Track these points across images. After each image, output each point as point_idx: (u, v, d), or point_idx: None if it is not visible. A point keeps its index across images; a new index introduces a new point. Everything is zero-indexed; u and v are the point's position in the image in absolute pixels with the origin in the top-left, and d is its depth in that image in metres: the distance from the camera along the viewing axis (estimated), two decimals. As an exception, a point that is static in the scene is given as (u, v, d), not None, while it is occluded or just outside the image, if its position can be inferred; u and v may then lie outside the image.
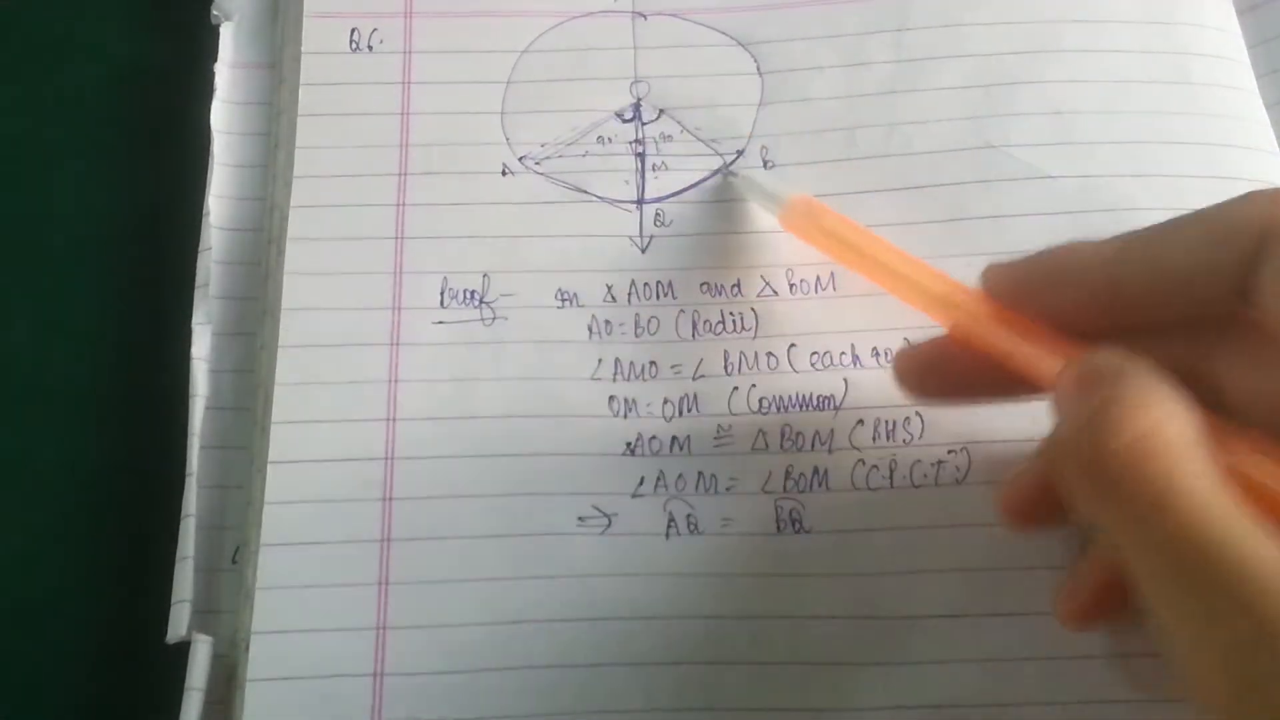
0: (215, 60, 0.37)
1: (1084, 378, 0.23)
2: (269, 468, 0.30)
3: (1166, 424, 0.21)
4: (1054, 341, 0.26)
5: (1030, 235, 0.32)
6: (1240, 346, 0.25)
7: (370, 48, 0.36)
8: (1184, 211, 0.30)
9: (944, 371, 0.29)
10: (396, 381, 0.31)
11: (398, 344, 0.32)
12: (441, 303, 0.32)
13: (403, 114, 0.35)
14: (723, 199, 0.34)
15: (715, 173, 0.34)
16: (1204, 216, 0.25)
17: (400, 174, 0.34)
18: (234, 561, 0.31)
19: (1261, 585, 0.19)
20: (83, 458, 0.33)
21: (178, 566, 0.30)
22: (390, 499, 0.30)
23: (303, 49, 0.36)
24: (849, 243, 0.31)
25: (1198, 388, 0.23)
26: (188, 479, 0.31)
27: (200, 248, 0.34)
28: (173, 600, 0.30)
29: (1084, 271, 0.26)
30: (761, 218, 0.34)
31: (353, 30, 0.36)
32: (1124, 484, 0.21)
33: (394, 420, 0.31)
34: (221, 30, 0.37)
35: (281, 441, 0.31)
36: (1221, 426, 0.22)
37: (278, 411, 0.31)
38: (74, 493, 0.33)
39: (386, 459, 0.31)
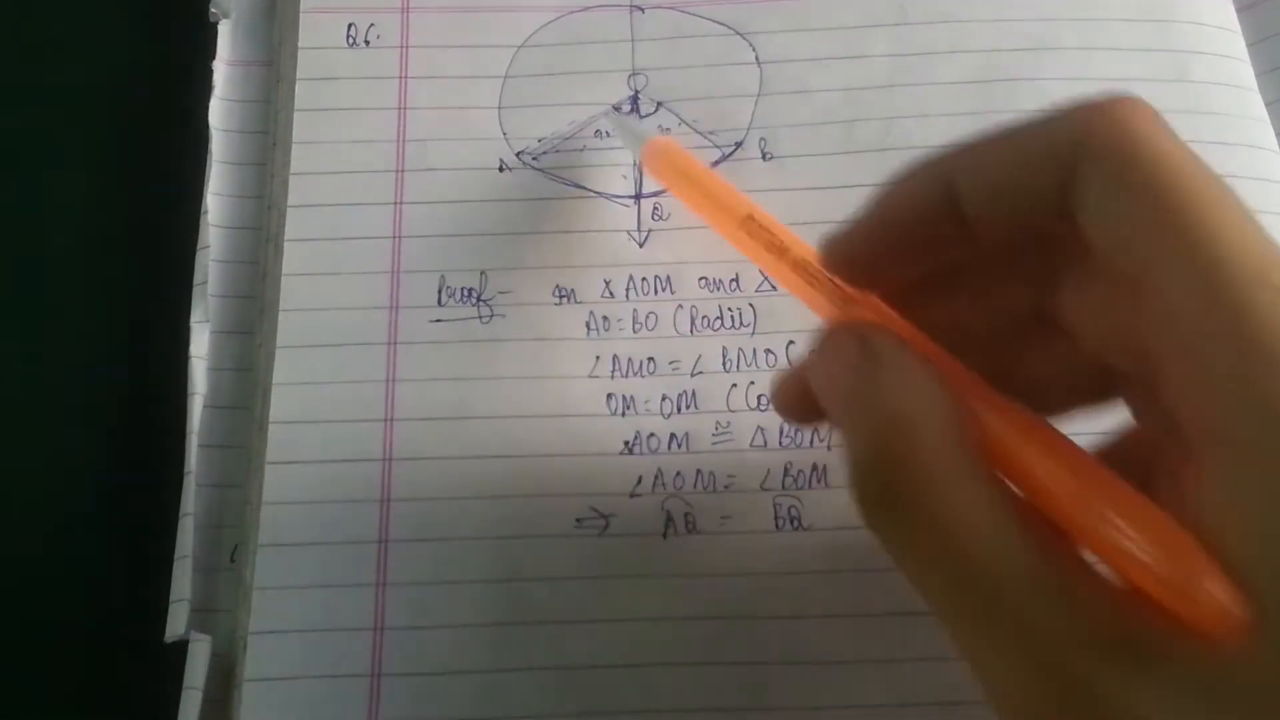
0: (213, 58, 0.36)
1: (837, 365, 0.23)
2: (267, 468, 0.30)
3: (919, 429, 0.21)
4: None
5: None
6: (1079, 277, 0.23)
7: (367, 43, 0.36)
8: None
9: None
10: (394, 381, 0.31)
11: (395, 343, 0.32)
12: (439, 301, 0.32)
13: (399, 109, 0.35)
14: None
15: (712, 165, 0.34)
16: (1022, 133, 0.22)
17: (397, 170, 0.34)
18: (232, 561, 0.31)
19: (1020, 607, 0.20)
20: (80, 456, 0.33)
21: (176, 565, 0.30)
22: (388, 499, 0.30)
23: (299, 44, 0.36)
24: (699, 183, 0.31)
25: (1048, 328, 0.24)
26: (186, 478, 0.31)
27: (199, 246, 0.34)
28: (171, 599, 0.30)
29: (918, 202, 0.24)
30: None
31: (349, 25, 0.36)
32: (880, 514, 0.21)
33: (391, 420, 0.31)
34: (219, 28, 0.37)
35: (279, 442, 0.31)
36: (976, 391, 0.22)
37: (275, 412, 0.31)
38: (72, 491, 0.33)
39: (384, 459, 0.31)
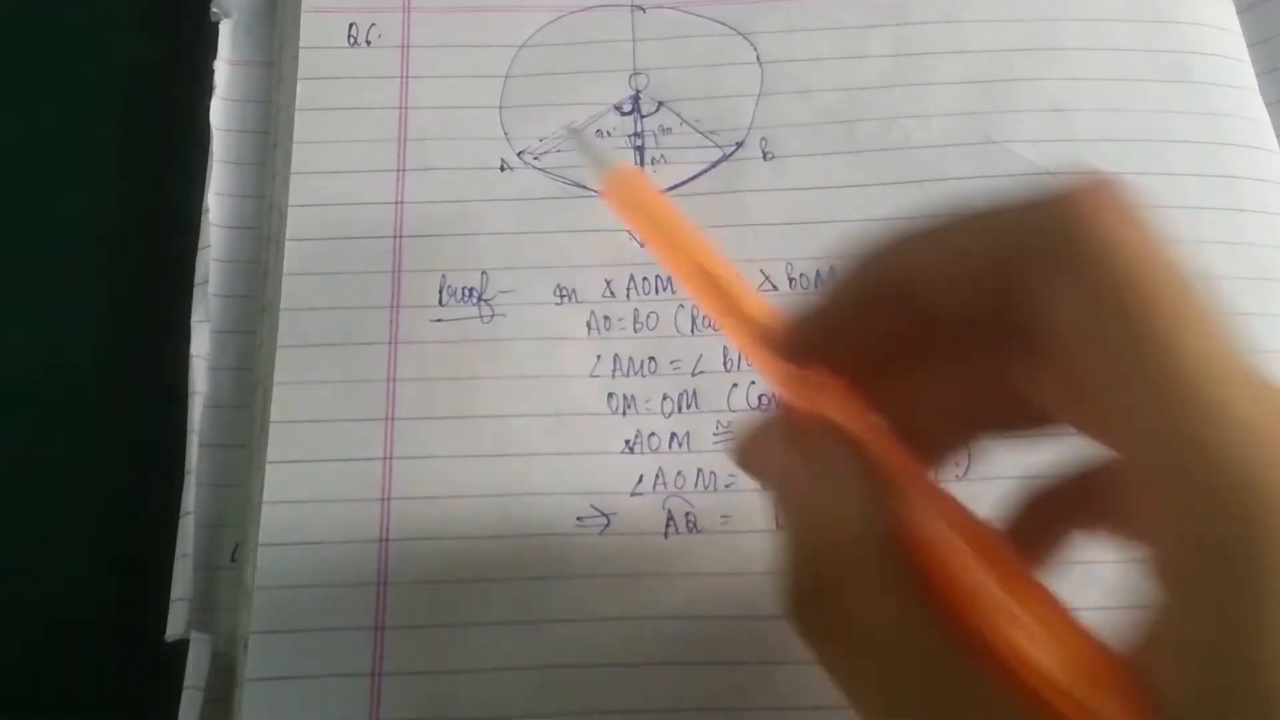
0: (214, 57, 0.36)
1: (781, 460, 0.23)
2: (267, 467, 0.30)
3: (847, 544, 0.21)
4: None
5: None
6: (1032, 354, 0.22)
7: (368, 42, 0.36)
8: (1174, 209, 0.31)
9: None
10: (395, 380, 0.31)
11: (396, 342, 0.32)
12: (440, 300, 0.32)
13: (401, 109, 0.35)
14: (720, 190, 0.34)
15: (712, 164, 0.34)
16: (971, 223, 0.21)
17: (398, 170, 0.34)
18: (233, 560, 0.31)
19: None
20: (81, 455, 0.33)
21: (176, 564, 0.30)
22: (388, 498, 0.30)
23: (300, 44, 0.36)
24: (663, 227, 0.28)
25: (1007, 398, 0.23)
26: (186, 477, 0.31)
27: (200, 245, 0.34)
28: (171, 598, 0.30)
29: (867, 286, 0.23)
30: (759, 211, 0.33)
31: (350, 25, 0.36)
32: (803, 616, 0.21)
33: (392, 419, 0.31)
34: (220, 27, 0.37)
35: (280, 441, 0.31)
36: (913, 483, 0.22)
37: (276, 411, 0.31)
38: (73, 491, 0.33)
39: (385, 459, 0.31)
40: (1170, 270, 0.19)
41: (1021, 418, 0.24)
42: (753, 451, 0.25)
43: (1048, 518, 0.25)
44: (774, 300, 0.32)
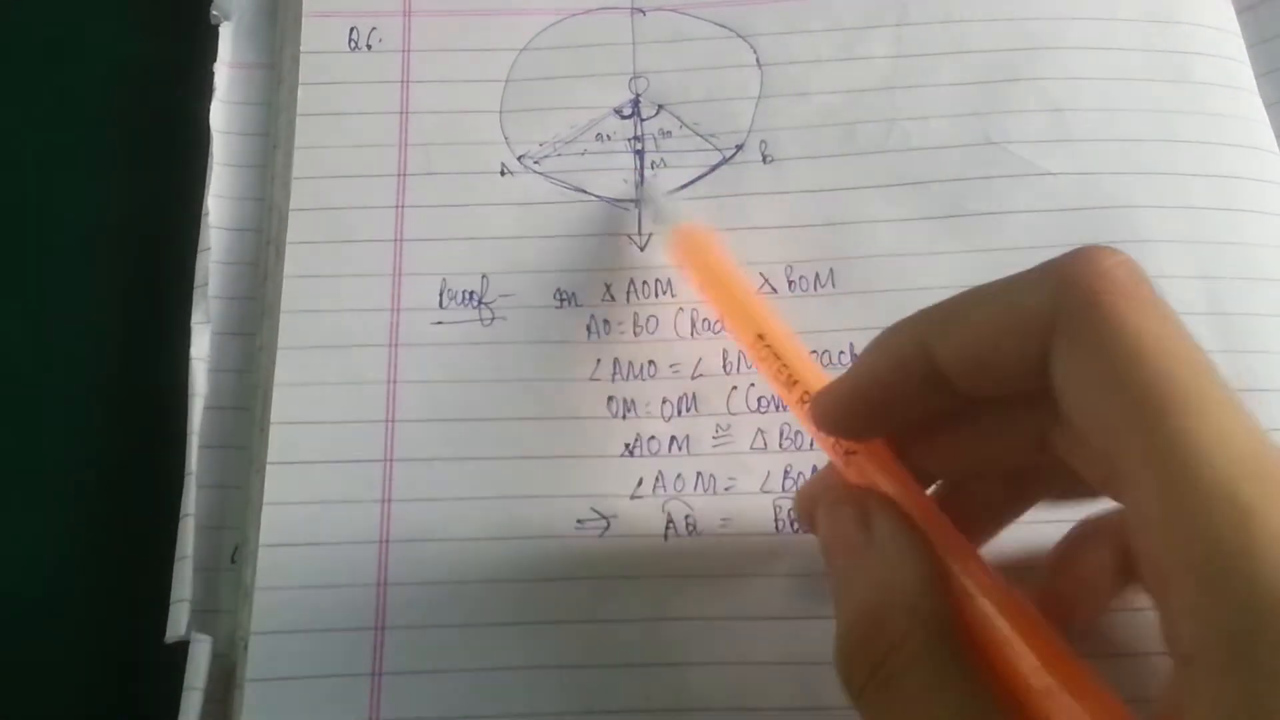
0: (214, 60, 0.36)
1: (833, 540, 0.24)
2: (268, 468, 0.30)
3: (903, 620, 0.21)
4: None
5: (1028, 232, 0.33)
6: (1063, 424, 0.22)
7: (369, 46, 0.36)
8: (1174, 209, 0.31)
9: None
10: (395, 383, 0.31)
11: (396, 345, 0.32)
12: (440, 303, 0.32)
13: (402, 113, 0.35)
14: (720, 194, 0.34)
15: (712, 168, 0.34)
16: (997, 299, 0.22)
17: (399, 174, 0.34)
18: (233, 561, 0.31)
19: None
20: (82, 457, 0.33)
21: (177, 566, 0.30)
22: (388, 500, 0.30)
23: (301, 48, 0.36)
24: (726, 289, 0.30)
25: (1042, 460, 0.23)
26: (187, 478, 0.31)
27: (200, 248, 0.34)
28: (172, 600, 0.30)
29: (900, 368, 0.23)
30: (759, 214, 0.34)
31: (351, 29, 0.36)
32: (860, 690, 0.22)
33: (393, 421, 0.31)
34: (220, 30, 0.37)
35: (280, 442, 0.31)
36: (965, 562, 0.22)
37: (277, 412, 0.31)
38: (73, 492, 0.33)
39: (385, 460, 0.31)
40: (1188, 350, 0.19)
41: (1066, 482, 0.24)
42: (810, 510, 0.26)
43: (1089, 581, 0.25)
44: (774, 300, 0.32)
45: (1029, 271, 0.22)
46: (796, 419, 0.28)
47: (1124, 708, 0.20)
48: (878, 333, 0.24)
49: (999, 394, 0.22)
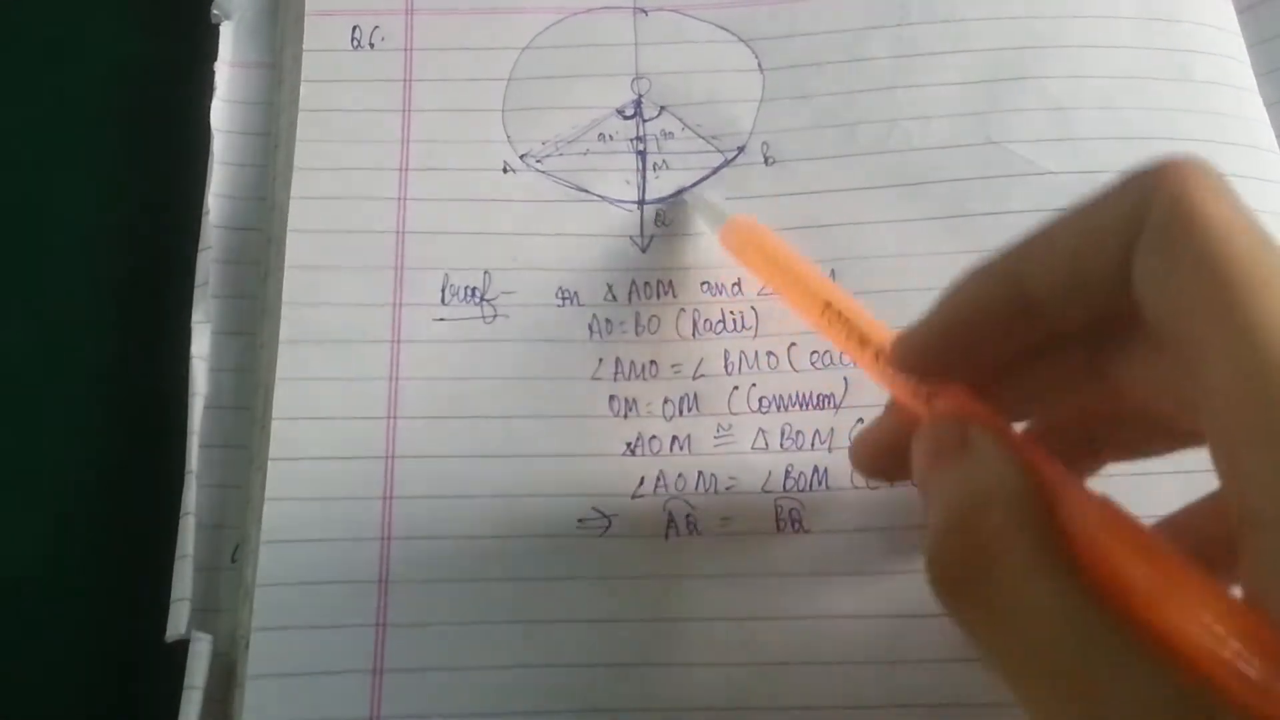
0: (215, 59, 0.36)
1: (929, 455, 0.24)
2: (269, 464, 0.30)
3: (1000, 515, 0.21)
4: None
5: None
6: (1133, 341, 0.23)
7: (372, 45, 0.36)
8: None
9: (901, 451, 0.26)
10: (397, 379, 0.31)
11: (399, 341, 0.32)
12: (442, 299, 0.32)
13: (404, 111, 0.35)
14: (723, 196, 0.34)
15: (714, 170, 0.34)
16: (1082, 216, 0.22)
17: (401, 169, 0.34)
18: (233, 560, 0.31)
19: (1093, 696, 0.19)
20: (82, 457, 0.33)
21: (177, 565, 0.30)
22: (390, 497, 0.30)
23: (304, 46, 0.36)
24: (784, 269, 0.31)
25: (1101, 390, 0.24)
26: (187, 477, 0.31)
27: (200, 246, 0.34)
28: (172, 598, 0.30)
29: (987, 302, 0.24)
30: (762, 216, 0.33)
31: (354, 28, 0.36)
32: (953, 591, 0.22)
33: (394, 418, 0.31)
34: (221, 29, 0.37)
35: (281, 438, 0.31)
36: (1062, 481, 0.22)
37: (278, 407, 0.31)
38: (73, 492, 0.33)
39: (386, 457, 0.31)
40: (1269, 240, 0.20)
41: (1140, 435, 0.25)
42: (873, 453, 0.27)
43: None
44: (776, 301, 0.32)
45: (1110, 185, 0.22)
46: (871, 377, 0.28)
47: (1243, 606, 0.19)
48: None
49: (1087, 318, 0.23)
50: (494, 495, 0.30)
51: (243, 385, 0.33)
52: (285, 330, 0.32)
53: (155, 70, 0.38)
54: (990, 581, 0.21)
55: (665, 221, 0.34)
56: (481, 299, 0.32)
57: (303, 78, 0.35)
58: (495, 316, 0.32)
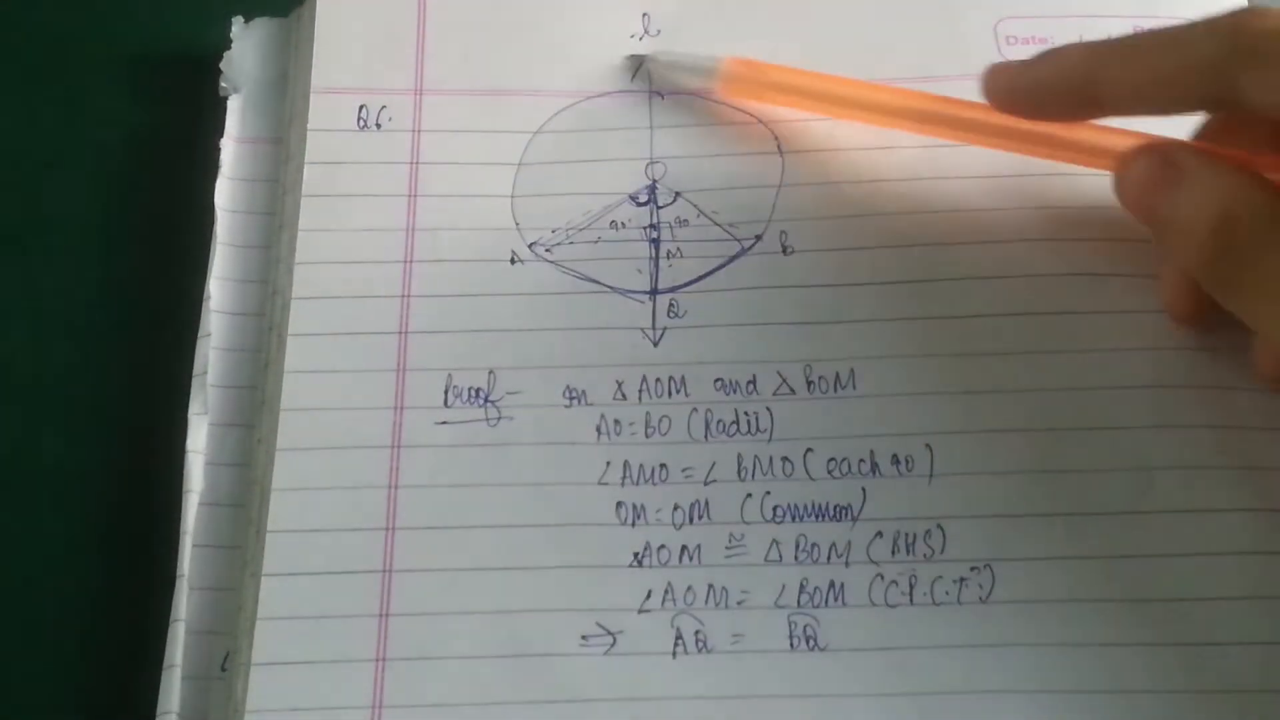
0: (220, 135, 0.36)
1: (1152, 183, 0.29)
2: (263, 580, 0.29)
3: (1247, 213, 0.27)
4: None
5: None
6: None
7: (378, 125, 0.35)
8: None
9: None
10: (396, 488, 0.30)
11: (399, 446, 0.31)
12: (445, 402, 0.31)
13: (410, 195, 0.34)
14: (737, 287, 0.33)
15: (730, 259, 0.33)
16: (1170, 46, 0.28)
17: (405, 261, 0.33)
18: (223, 669, 0.29)
19: None
20: (71, 551, 0.32)
21: (164, 675, 0.29)
22: (386, 614, 0.29)
23: (309, 125, 0.35)
24: (809, 90, 0.34)
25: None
26: (179, 581, 0.30)
27: (200, 334, 0.33)
28: (159, 712, 0.29)
29: (1067, 84, 0.30)
30: (778, 309, 0.32)
31: (360, 107, 0.35)
32: (1237, 292, 0.27)
33: (392, 529, 0.30)
34: (229, 103, 0.36)
35: (277, 552, 0.29)
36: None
37: (274, 519, 0.30)
38: (61, 592, 0.32)
39: (384, 570, 0.29)
40: None
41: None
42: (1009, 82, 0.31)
43: None
44: (792, 402, 0.31)
45: (1188, 27, 0.28)
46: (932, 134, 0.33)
47: None
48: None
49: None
50: (493, 612, 0.29)
51: (240, 481, 0.31)
52: (283, 437, 0.31)
53: (159, 146, 0.37)
54: (1258, 267, 0.26)
55: (679, 313, 0.33)
56: (486, 400, 0.31)
57: (306, 160, 0.34)
58: (500, 419, 0.31)
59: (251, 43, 0.37)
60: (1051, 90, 0.30)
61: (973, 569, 0.29)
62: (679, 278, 0.33)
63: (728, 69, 0.34)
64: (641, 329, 0.32)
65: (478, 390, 0.31)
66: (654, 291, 0.33)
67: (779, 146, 0.35)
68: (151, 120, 0.38)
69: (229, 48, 0.37)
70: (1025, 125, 0.31)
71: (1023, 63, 0.31)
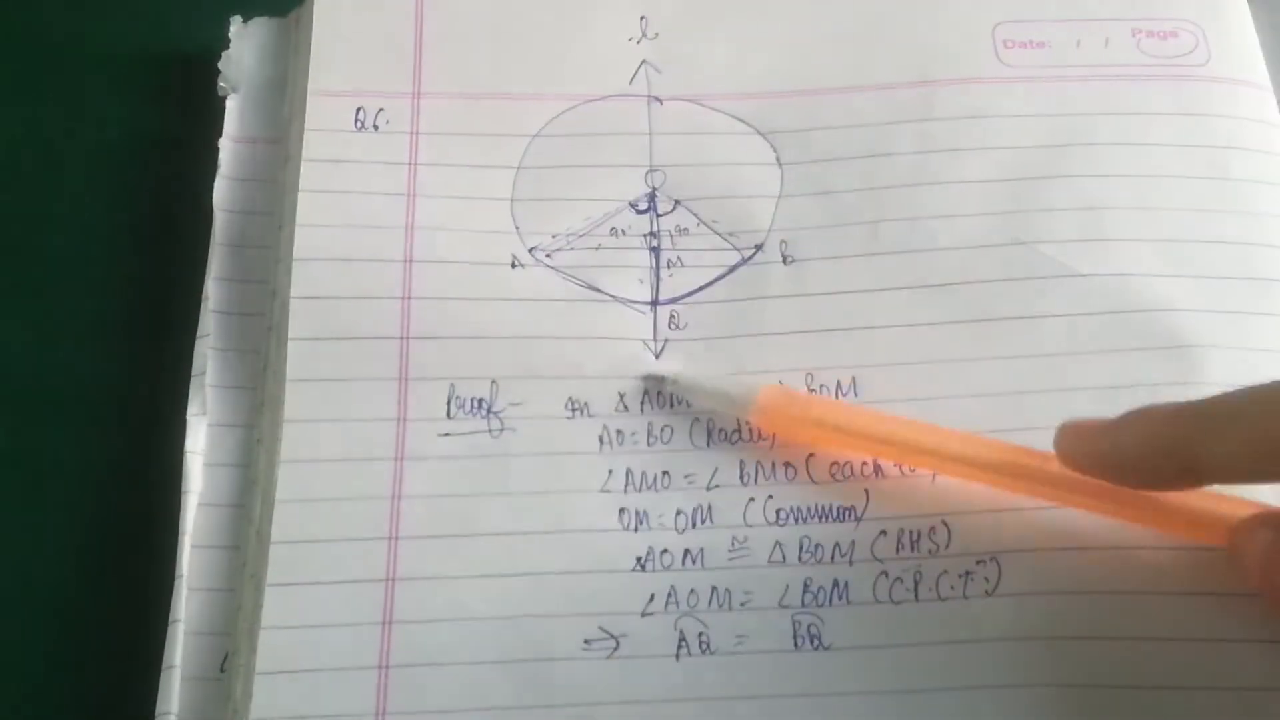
0: (219, 134, 0.36)
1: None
2: (267, 590, 0.29)
3: None
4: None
5: (1060, 338, 0.32)
6: None
7: (376, 127, 0.35)
8: (1212, 314, 0.32)
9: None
10: (400, 498, 0.30)
11: (402, 458, 0.31)
12: (448, 413, 0.31)
13: (408, 195, 0.34)
14: (738, 298, 0.33)
15: (730, 269, 0.33)
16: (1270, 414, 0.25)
17: (406, 260, 0.33)
18: (222, 670, 0.29)
19: None
20: (75, 549, 0.32)
21: (163, 676, 0.29)
22: (390, 622, 0.29)
23: (306, 126, 0.35)
24: (845, 428, 0.31)
25: None
26: (177, 581, 0.30)
27: (199, 334, 0.33)
28: (156, 713, 0.29)
29: (1155, 453, 0.26)
30: (779, 318, 0.32)
31: (358, 109, 0.35)
32: None
33: (395, 539, 0.30)
34: (228, 103, 0.36)
35: (280, 563, 0.29)
36: None
37: (277, 531, 0.30)
38: (58, 596, 0.32)
39: (387, 580, 0.29)
40: None
41: None
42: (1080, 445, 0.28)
43: None
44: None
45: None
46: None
47: None
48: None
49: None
50: (497, 618, 0.29)
51: (239, 481, 0.31)
52: (286, 449, 0.31)
53: (158, 145, 0.37)
54: None
55: (680, 324, 0.33)
56: (488, 411, 0.31)
57: (304, 156, 0.34)
58: (503, 430, 0.31)
59: (250, 43, 0.37)
60: (1137, 460, 0.26)
61: (979, 562, 0.29)
62: (680, 288, 0.33)
63: (764, 399, 0.31)
64: (643, 340, 0.32)
65: (480, 400, 0.31)
66: (655, 302, 0.33)
67: (778, 158, 0.35)
68: (150, 120, 0.38)
69: (227, 48, 0.37)
70: (1110, 488, 0.28)
71: (1102, 424, 0.27)
